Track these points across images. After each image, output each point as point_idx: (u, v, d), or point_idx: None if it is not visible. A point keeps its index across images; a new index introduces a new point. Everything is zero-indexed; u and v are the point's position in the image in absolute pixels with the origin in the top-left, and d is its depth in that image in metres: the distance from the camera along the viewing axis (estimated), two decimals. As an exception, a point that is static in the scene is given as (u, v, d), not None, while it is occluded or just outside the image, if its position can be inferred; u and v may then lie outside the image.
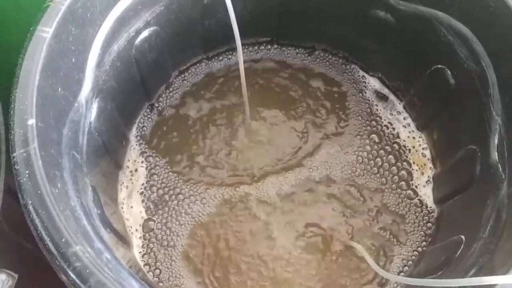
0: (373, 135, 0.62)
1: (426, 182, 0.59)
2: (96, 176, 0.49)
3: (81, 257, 0.33)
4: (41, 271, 0.38)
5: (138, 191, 0.58)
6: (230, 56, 0.66)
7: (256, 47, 0.67)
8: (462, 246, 0.46)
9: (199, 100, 0.64)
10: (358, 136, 0.61)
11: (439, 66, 0.54)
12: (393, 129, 0.62)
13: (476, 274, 0.40)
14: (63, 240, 0.33)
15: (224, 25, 0.55)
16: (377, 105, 0.64)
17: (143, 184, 0.58)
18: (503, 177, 0.45)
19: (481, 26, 0.47)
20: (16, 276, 0.39)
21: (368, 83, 0.65)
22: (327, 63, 0.67)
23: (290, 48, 0.67)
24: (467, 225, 0.48)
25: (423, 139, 0.61)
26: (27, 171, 0.35)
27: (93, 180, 0.47)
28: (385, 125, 0.62)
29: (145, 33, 0.53)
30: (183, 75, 0.65)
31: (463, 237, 0.47)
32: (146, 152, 0.60)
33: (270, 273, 0.54)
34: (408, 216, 0.57)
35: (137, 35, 0.52)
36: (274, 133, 0.62)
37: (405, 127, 0.62)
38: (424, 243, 0.55)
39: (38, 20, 0.40)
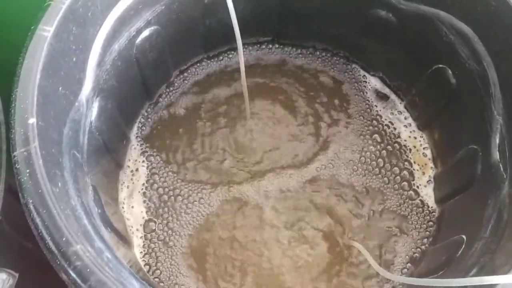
0: (375, 135, 0.61)
1: (427, 182, 0.59)
2: (97, 175, 0.49)
3: (82, 256, 0.33)
4: (41, 270, 0.38)
5: (139, 191, 0.58)
6: (230, 56, 0.66)
7: (256, 47, 0.67)
8: (463, 245, 0.46)
9: (199, 100, 0.64)
10: (361, 136, 0.61)
11: (440, 65, 0.54)
12: (394, 128, 0.62)
13: (477, 274, 0.40)
14: (64, 239, 0.33)
15: (225, 25, 0.55)
16: (377, 105, 0.64)
17: (143, 184, 0.58)
18: (505, 176, 0.45)
19: (483, 26, 0.47)
20: (17, 275, 0.39)
21: (369, 82, 0.65)
22: (328, 62, 0.67)
23: (290, 48, 0.67)
24: (468, 225, 0.48)
25: (424, 139, 0.61)
26: (27, 170, 0.35)
27: (93, 179, 0.47)
28: (386, 125, 0.62)
29: (146, 33, 0.53)
30: (184, 75, 0.65)
31: (464, 236, 0.47)
32: (147, 152, 0.60)
33: (271, 273, 0.54)
34: (409, 216, 0.57)
35: (138, 34, 0.52)
36: (274, 133, 0.62)
37: (406, 126, 0.62)
38: (425, 242, 0.55)
39: (39, 19, 0.40)
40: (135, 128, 0.61)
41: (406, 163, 0.60)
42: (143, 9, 0.51)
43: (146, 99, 0.62)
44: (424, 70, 0.57)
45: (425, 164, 0.60)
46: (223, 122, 0.62)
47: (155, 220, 0.56)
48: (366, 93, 0.64)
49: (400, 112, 0.63)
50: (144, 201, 0.57)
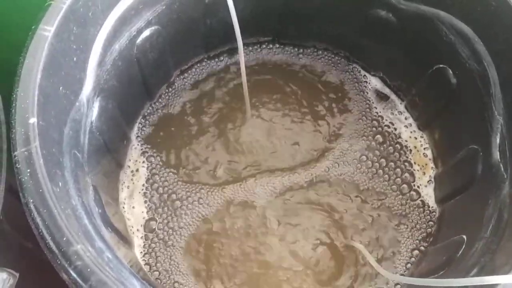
0: (377, 136, 0.61)
1: (428, 182, 0.59)
2: (97, 175, 0.49)
3: (82, 256, 0.33)
4: (42, 270, 0.38)
5: (139, 191, 0.58)
6: (231, 56, 0.66)
7: (257, 47, 0.67)
8: (464, 246, 0.46)
9: (200, 100, 0.64)
10: (362, 137, 0.61)
11: (440, 65, 0.54)
12: (395, 129, 0.62)
13: (477, 274, 0.40)
14: (64, 239, 0.33)
15: (226, 25, 0.55)
16: (378, 105, 0.64)
17: (144, 184, 0.58)
18: (505, 176, 0.45)
19: (483, 26, 0.47)
20: (17, 275, 0.39)
21: (369, 82, 0.65)
22: (329, 62, 0.67)
23: (291, 48, 0.67)
24: (468, 225, 0.48)
25: (424, 139, 0.61)
26: (28, 170, 0.35)
27: (94, 179, 0.47)
28: (386, 125, 0.62)
29: (146, 33, 0.53)
30: (184, 75, 0.65)
31: (464, 236, 0.47)
32: (147, 152, 0.60)
33: (272, 273, 0.54)
34: (410, 216, 0.57)
35: (138, 34, 0.52)
36: (275, 133, 0.62)
37: (407, 127, 0.62)
38: (426, 242, 0.55)
39: (39, 19, 0.40)
40: (135, 128, 0.61)
41: (406, 163, 0.60)
42: (143, 9, 0.51)
43: (146, 99, 0.62)
44: (424, 70, 0.57)
45: (426, 164, 0.60)
46: (224, 122, 0.62)
47: (156, 220, 0.56)
48: (367, 93, 0.64)
49: (400, 113, 0.63)
50: (145, 201, 0.57)
